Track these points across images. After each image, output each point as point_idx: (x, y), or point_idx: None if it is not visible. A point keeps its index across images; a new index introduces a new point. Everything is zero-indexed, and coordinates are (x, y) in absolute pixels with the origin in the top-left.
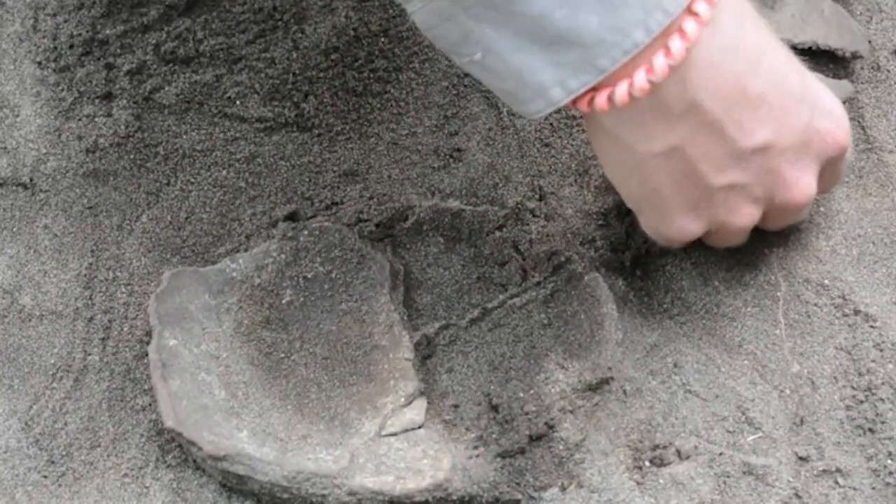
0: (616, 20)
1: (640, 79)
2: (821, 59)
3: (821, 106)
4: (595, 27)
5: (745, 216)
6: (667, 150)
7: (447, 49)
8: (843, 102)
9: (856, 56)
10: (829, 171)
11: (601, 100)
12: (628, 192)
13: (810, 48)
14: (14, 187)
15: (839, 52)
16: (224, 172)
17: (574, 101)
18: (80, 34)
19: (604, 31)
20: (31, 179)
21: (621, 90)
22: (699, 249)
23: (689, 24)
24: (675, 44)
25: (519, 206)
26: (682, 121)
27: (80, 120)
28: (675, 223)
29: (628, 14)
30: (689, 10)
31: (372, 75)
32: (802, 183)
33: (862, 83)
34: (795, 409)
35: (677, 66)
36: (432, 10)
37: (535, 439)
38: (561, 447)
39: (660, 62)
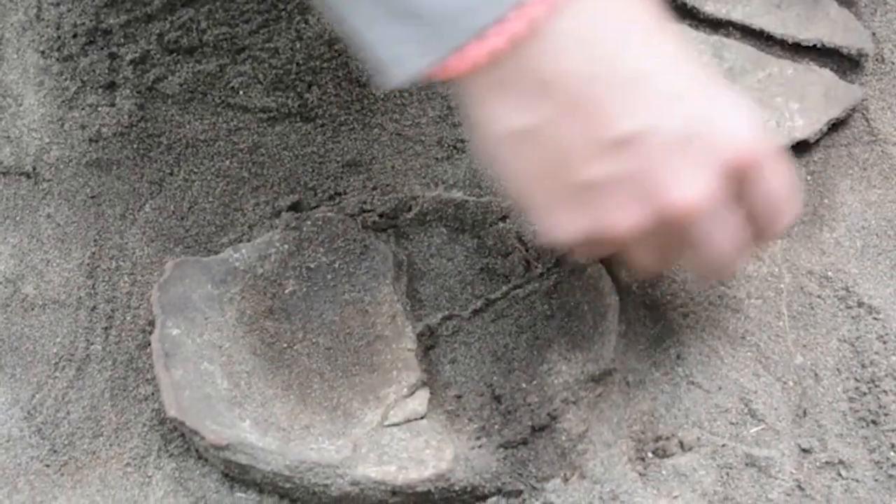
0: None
1: (500, 39)
2: (827, 58)
3: (715, 106)
4: (449, 4)
5: (627, 218)
6: (524, 129)
7: (326, 12)
8: (853, 108)
9: (861, 54)
10: (758, 201)
11: (461, 61)
12: (501, 174)
13: (815, 46)
14: (17, 176)
15: (844, 51)
16: (227, 162)
17: (446, 69)
18: (83, 23)
19: (456, 9)
20: (35, 169)
21: (480, 50)
22: None
23: None
24: (538, 8)
25: None
26: (545, 98)
27: (83, 109)
28: (553, 219)
29: None
30: None
31: None
32: (685, 186)
33: (866, 76)
34: (798, 400)
35: (537, 31)
36: None
37: (537, 430)
38: (563, 438)
39: (519, 25)
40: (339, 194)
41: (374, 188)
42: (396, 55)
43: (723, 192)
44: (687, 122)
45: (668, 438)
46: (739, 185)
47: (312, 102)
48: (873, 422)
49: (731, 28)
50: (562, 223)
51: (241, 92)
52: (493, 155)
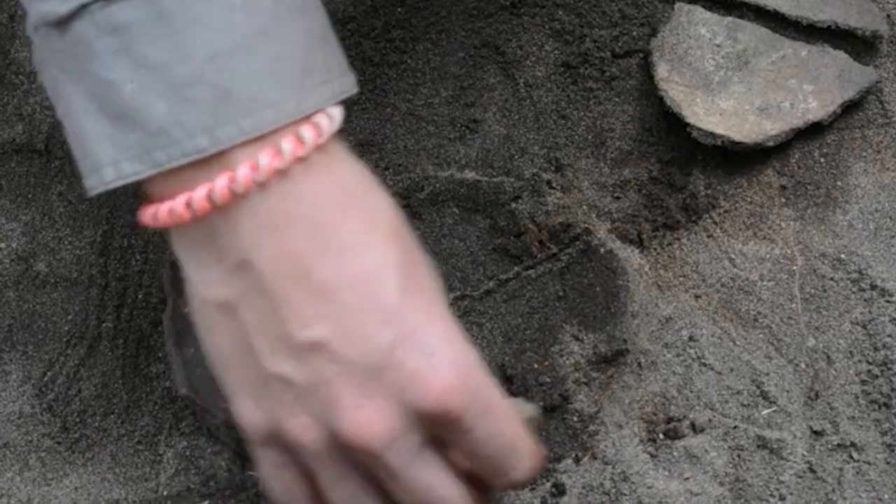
0: (183, 116)
1: (199, 195)
2: (842, 39)
3: (421, 341)
4: (162, 115)
5: (303, 429)
6: (223, 303)
7: (50, 97)
8: (867, 90)
9: (876, 35)
10: (471, 451)
11: (163, 211)
12: (203, 342)
13: (829, 27)
14: (29, 154)
15: (859, 32)
16: None
17: (155, 215)
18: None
19: (168, 123)
20: (47, 146)
21: (179, 203)
22: (715, 222)
23: (263, 158)
24: (242, 171)
25: (535, 177)
26: (238, 276)
27: None
28: (238, 405)
29: (196, 114)
30: (275, 147)
31: (388, 45)
32: (364, 418)
33: (881, 58)
34: (810, 383)
35: (232, 203)
36: (37, 47)
37: (549, 411)
38: (575, 419)
39: (220, 183)
40: None
41: (387, 168)
42: (100, 157)
43: (411, 435)
44: (381, 354)
45: (679, 420)
46: (441, 431)
47: None
48: (885, 404)
49: (745, 9)
50: (247, 410)
51: None
52: (195, 320)
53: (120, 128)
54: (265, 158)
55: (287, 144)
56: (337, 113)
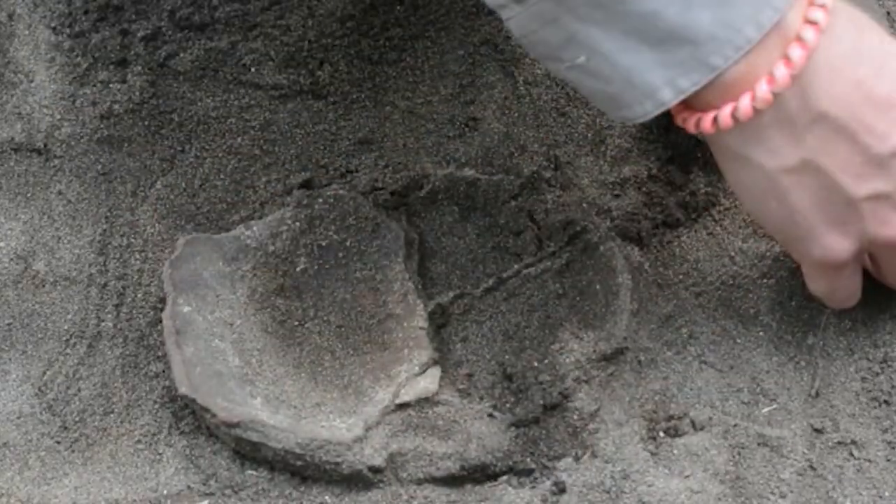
0: (727, 15)
1: (763, 90)
2: None
3: None
4: (707, 23)
5: (892, 226)
6: (799, 164)
7: (545, 54)
8: None
9: None
10: None
11: (725, 116)
12: (766, 216)
13: None
14: (28, 153)
15: None
16: (239, 140)
17: (698, 123)
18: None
19: (716, 27)
20: (46, 145)
21: (744, 103)
22: (715, 220)
23: (808, 32)
24: (795, 52)
25: (534, 175)
26: (811, 132)
27: (94, 86)
28: (821, 243)
29: (739, 9)
30: (806, 19)
31: (387, 43)
32: None
33: None
34: (811, 380)
35: (798, 74)
36: (533, 14)
37: (549, 409)
38: (575, 417)
39: (781, 71)
40: (351, 172)
41: (386, 166)
42: (651, 82)
43: None
44: None
45: (679, 418)
46: None
47: (324, 80)
48: (886, 402)
49: None
50: (830, 243)
51: (252, 69)
52: (762, 192)
53: (667, 50)
54: (809, 31)
55: (818, 11)
56: None
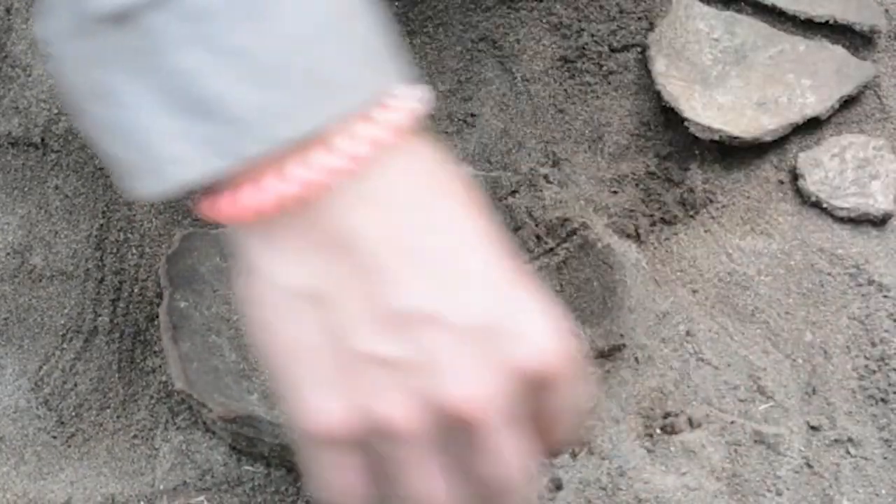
0: (274, 104)
1: (293, 180)
2: (840, 34)
3: (525, 307)
4: (249, 104)
5: (400, 410)
6: (308, 290)
7: (73, 100)
8: (865, 85)
9: (874, 30)
10: (548, 416)
11: (242, 205)
12: (263, 341)
13: (828, 22)
14: (25, 147)
15: (857, 27)
16: None
17: (216, 207)
18: None
19: (256, 113)
20: (43, 140)
21: (267, 194)
22: (713, 217)
23: (362, 147)
24: (340, 159)
25: (532, 172)
26: (335, 260)
27: None
28: (309, 399)
29: (285, 99)
30: (372, 139)
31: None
32: (473, 381)
33: (879, 52)
34: (808, 378)
35: (338, 186)
36: (68, 48)
37: None
38: None
39: (317, 167)
40: None
41: None
42: (174, 153)
43: (513, 400)
44: (486, 314)
45: (676, 415)
46: (531, 396)
47: None
48: (882, 400)
49: (743, 4)
50: (322, 403)
51: None
52: (260, 315)
53: (192, 121)
54: (364, 146)
55: (385, 131)
56: (424, 93)
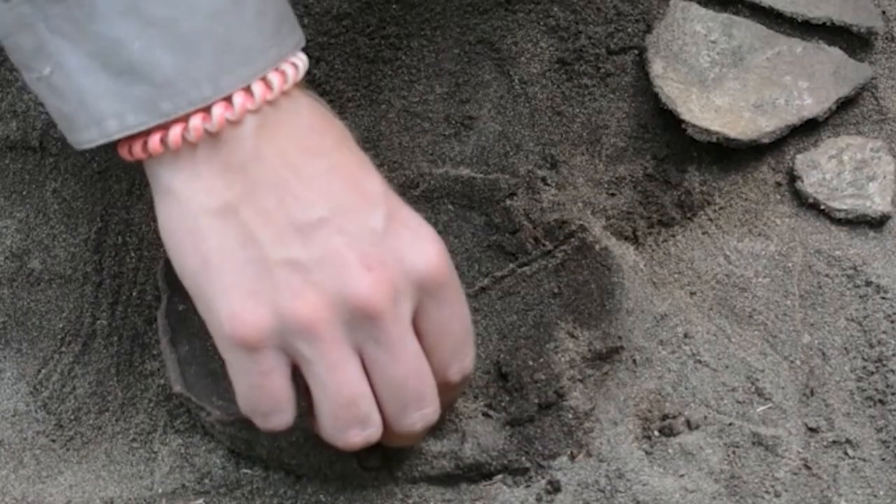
0: (189, 67)
1: (195, 122)
2: (837, 36)
3: (407, 219)
4: (168, 68)
5: (310, 306)
6: (222, 207)
7: (19, 61)
8: (862, 87)
9: (871, 32)
10: (437, 327)
11: (154, 142)
12: (183, 265)
13: (825, 24)
14: (23, 151)
15: (854, 29)
16: None
17: (130, 149)
18: None
19: (175, 75)
20: (41, 143)
21: (175, 132)
22: (710, 219)
23: (257, 87)
24: (237, 99)
25: (530, 174)
26: (240, 179)
27: None
28: (231, 307)
29: (201, 65)
30: (264, 79)
31: (383, 42)
32: (372, 277)
33: (876, 54)
34: (806, 379)
35: (238, 120)
36: (15, 16)
37: (544, 408)
38: (570, 416)
39: (217, 111)
40: None
41: (382, 165)
42: (101, 110)
43: (407, 300)
44: (376, 220)
45: (674, 417)
46: (425, 298)
47: (320, 78)
48: (881, 401)
49: (740, 5)
50: (245, 309)
51: None
52: (178, 235)
53: (124, 83)
54: (259, 86)
55: (277, 77)
56: (303, 60)
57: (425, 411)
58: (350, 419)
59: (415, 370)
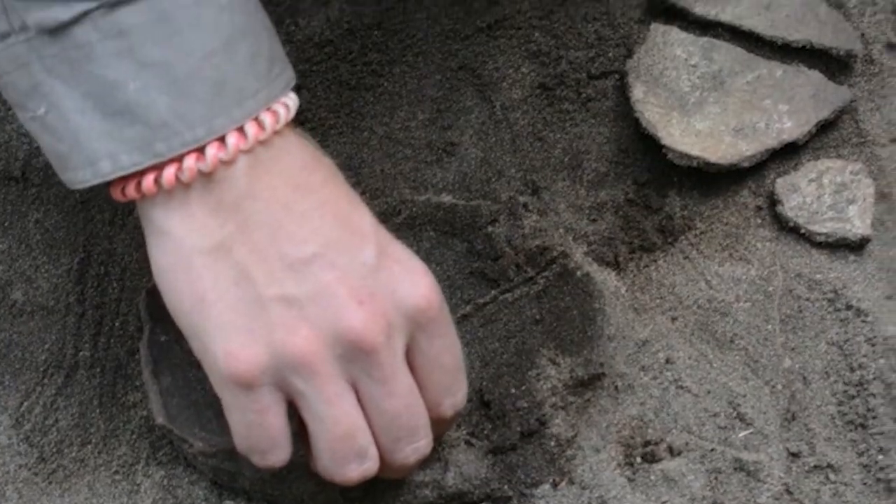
0: (184, 109)
1: (189, 164)
2: (816, 59)
3: (398, 254)
4: (163, 110)
5: (304, 341)
6: (215, 246)
7: (13, 100)
8: (842, 109)
9: (850, 55)
10: (429, 360)
11: (148, 182)
12: (178, 306)
13: (804, 47)
14: (6, 181)
15: (833, 52)
16: None
17: (124, 190)
18: None
19: (170, 116)
20: (23, 173)
21: (168, 173)
22: (691, 244)
23: (250, 128)
24: (230, 139)
25: (512, 200)
26: (234, 216)
27: None
28: (226, 346)
29: (196, 107)
30: (256, 120)
31: (365, 68)
32: (365, 312)
33: (855, 77)
34: (787, 404)
35: (231, 160)
36: (10, 55)
37: (526, 436)
38: (552, 443)
39: (211, 152)
40: None
41: (363, 192)
42: (95, 150)
43: (400, 334)
44: (368, 255)
45: (656, 443)
46: (417, 332)
47: (302, 106)
48: (861, 425)
49: (720, 29)
50: (240, 346)
51: None
52: (172, 275)
53: (118, 123)
54: (252, 127)
55: (268, 117)
56: (294, 99)
57: (418, 444)
58: (347, 452)
59: (408, 404)
